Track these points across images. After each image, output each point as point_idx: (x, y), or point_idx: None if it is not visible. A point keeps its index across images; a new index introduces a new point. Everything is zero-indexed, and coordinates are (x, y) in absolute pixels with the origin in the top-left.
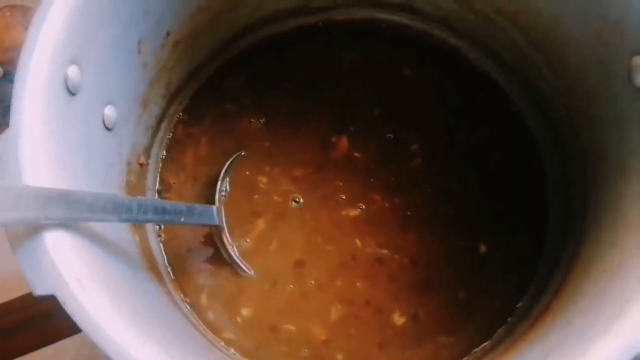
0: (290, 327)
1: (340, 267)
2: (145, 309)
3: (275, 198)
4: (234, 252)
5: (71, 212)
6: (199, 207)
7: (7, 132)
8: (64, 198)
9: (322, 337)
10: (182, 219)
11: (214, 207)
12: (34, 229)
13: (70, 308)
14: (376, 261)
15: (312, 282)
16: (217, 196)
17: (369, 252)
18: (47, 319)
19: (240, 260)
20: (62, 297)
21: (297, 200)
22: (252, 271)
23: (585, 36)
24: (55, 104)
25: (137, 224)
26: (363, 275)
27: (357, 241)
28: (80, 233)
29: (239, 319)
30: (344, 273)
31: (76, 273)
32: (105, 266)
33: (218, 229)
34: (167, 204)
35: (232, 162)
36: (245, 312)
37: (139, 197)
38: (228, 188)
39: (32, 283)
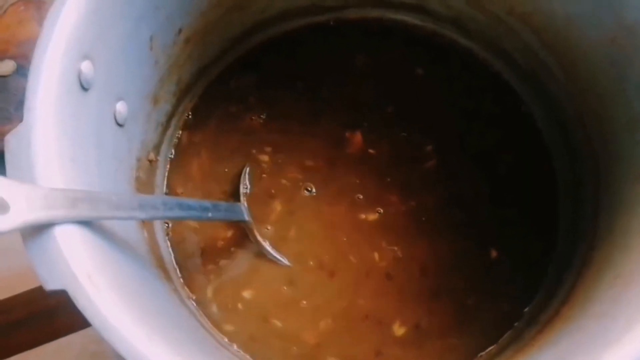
0: (288, 326)
1: (355, 282)
2: (154, 306)
3: (293, 192)
4: (267, 245)
5: (98, 211)
6: (224, 204)
7: (20, 127)
8: (91, 198)
9: (312, 341)
10: (210, 215)
11: (241, 204)
12: (49, 229)
13: (81, 303)
14: (386, 276)
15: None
16: (241, 193)
17: (383, 267)
18: (52, 314)
19: (275, 253)
20: (73, 293)
21: (309, 189)
22: (287, 261)
23: (598, 39)
24: (69, 100)
25: (152, 221)
26: (374, 289)
27: (375, 254)
28: (91, 230)
29: (241, 313)
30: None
31: (87, 269)
32: (115, 263)
33: (247, 226)
34: (192, 201)
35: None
36: (247, 302)
37: (164, 195)
38: (249, 185)
39: (44, 278)
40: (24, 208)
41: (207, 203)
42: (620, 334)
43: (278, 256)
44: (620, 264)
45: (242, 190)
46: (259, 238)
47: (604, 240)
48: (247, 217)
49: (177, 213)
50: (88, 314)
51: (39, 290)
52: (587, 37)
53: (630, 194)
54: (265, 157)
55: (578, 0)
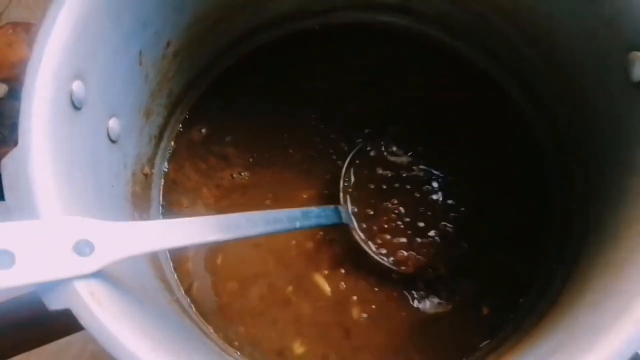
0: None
1: None
2: (157, 319)
3: None
4: (369, 247)
5: (183, 239)
6: (315, 209)
7: (16, 151)
8: (173, 228)
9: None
10: (297, 224)
11: (333, 207)
12: None
13: (85, 322)
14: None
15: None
16: (341, 194)
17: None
18: (53, 315)
19: (379, 256)
20: (77, 311)
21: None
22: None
23: (580, 33)
24: (62, 120)
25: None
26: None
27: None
28: (109, 277)
29: (246, 322)
30: None
31: (90, 286)
32: (116, 278)
33: (347, 228)
34: (277, 213)
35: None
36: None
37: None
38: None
39: (47, 298)
40: (109, 247)
41: (296, 212)
42: (611, 321)
43: (380, 259)
44: (610, 254)
45: (342, 192)
46: (360, 241)
47: (595, 231)
48: (341, 219)
49: (263, 229)
50: (93, 331)
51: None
52: (569, 33)
53: (616, 186)
54: None
55: None
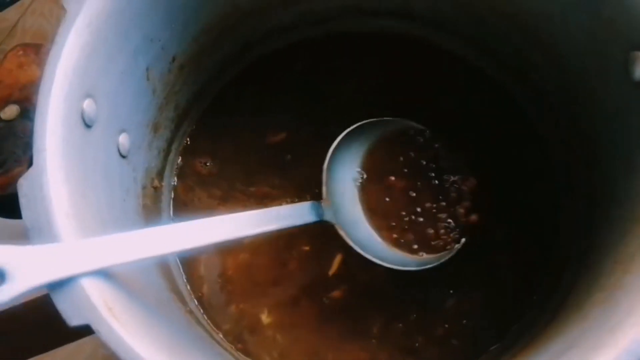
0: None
1: None
2: (173, 331)
3: None
4: (356, 247)
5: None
6: (286, 208)
7: (31, 171)
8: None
9: None
10: (264, 227)
11: (309, 203)
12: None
13: (105, 337)
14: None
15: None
16: (323, 188)
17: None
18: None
19: (367, 254)
20: (96, 327)
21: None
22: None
23: (581, 34)
24: (74, 139)
25: None
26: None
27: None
28: (115, 276)
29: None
30: None
31: (107, 301)
32: (132, 291)
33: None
34: (239, 216)
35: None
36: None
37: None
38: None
39: (66, 314)
40: (26, 275)
41: (271, 211)
42: (623, 318)
43: (371, 257)
44: (619, 251)
45: (325, 187)
46: (345, 239)
47: (603, 228)
48: (328, 218)
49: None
50: (113, 346)
51: (49, 296)
52: (569, 34)
53: (622, 183)
54: None
55: None
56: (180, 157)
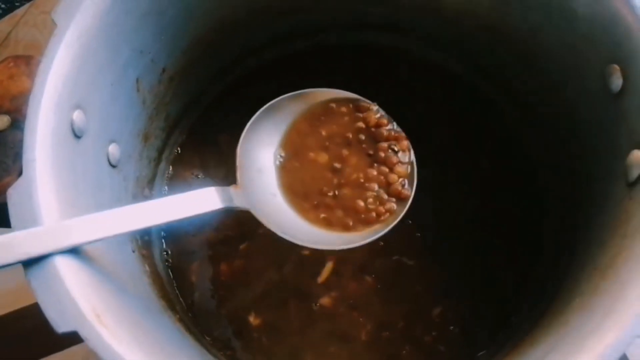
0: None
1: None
2: (162, 339)
3: None
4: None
5: None
6: (187, 194)
7: (21, 180)
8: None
9: None
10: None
11: (214, 189)
12: (53, 270)
13: (92, 344)
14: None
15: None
16: (237, 174)
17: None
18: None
19: (285, 234)
20: (84, 334)
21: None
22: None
23: (561, 47)
24: (64, 149)
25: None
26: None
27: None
28: (96, 268)
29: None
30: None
31: (95, 308)
32: (120, 299)
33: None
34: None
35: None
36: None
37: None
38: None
39: (54, 321)
40: None
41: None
42: (599, 323)
43: (289, 237)
44: (597, 258)
45: (239, 171)
46: (264, 220)
47: (584, 236)
48: (239, 204)
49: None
50: (100, 353)
51: (24, 310)
52: (550, 46)
53: (601, 193)
54: None
55: (538, 13)
56: (170, 167)
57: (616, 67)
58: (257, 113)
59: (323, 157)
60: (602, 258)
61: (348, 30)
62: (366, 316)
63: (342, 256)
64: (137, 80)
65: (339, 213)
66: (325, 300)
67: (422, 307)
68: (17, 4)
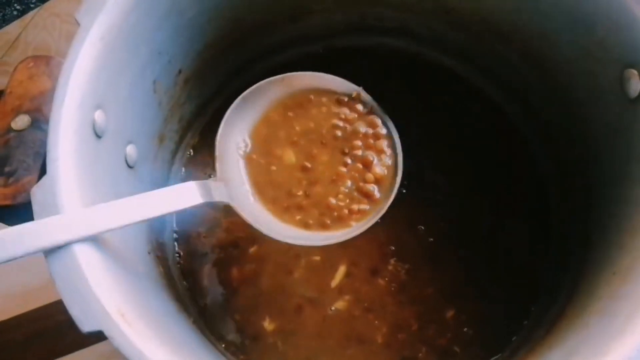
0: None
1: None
2: (181, 340)
3: None
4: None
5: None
6: (166, 190)
7: (45, 179)
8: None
9: None
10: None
11: (194, 183)
12: (77, 267)
13: (117, 342)
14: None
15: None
16: (217, 165)
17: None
18: (63, 330)
19: (266, 230)
20: (109, 332)
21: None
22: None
23: (575, 52)
24: (86, 149)
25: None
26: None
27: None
28: (117, 267)
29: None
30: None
31: (120, 308)
32: (141, 299)
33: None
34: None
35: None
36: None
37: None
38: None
39: (79, 319)
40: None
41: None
42: (621, 328)
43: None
44: (616, 262)
45: (219, 164)
46: (245, 215)
47: (599, 240)
48: (220, 198)
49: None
50: (125, 351)
51: (50, 306)
52: (563, 52)
53: (618, 196)
54: None
55: (552, 19)
56: (183, 168)
57: (634, 71)
58: (238, 99)
59: (289, 156)
60: (623, 262)
61: (359, 34)
62: (381, 318)
63: (354, 260)
64: (155, 82)
65: (314, 212)
66: (340, 304)
67: (436, 309)
68: (32, 5)
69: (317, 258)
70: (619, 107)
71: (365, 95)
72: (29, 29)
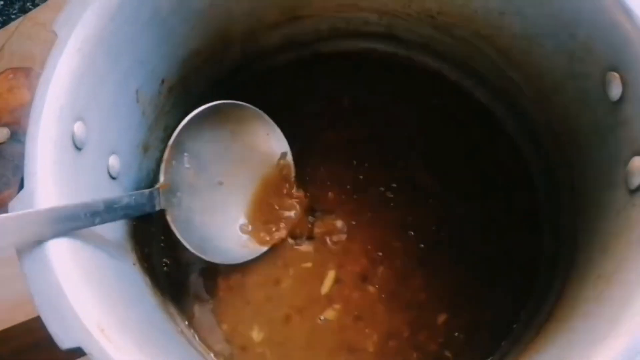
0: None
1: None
2: (168, 351)
3: None
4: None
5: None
6: (124, 198)
7: (22, 193)
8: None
9: None
10: (97, 219)
11: (148, 192)
12: (55, 281)
13: (96, 359)
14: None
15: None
16: (162, 168)
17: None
18: (53, 342)
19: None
20: (88, 349)
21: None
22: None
23: (559, 55)
24: (65, 161)
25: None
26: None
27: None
28: (98, 281)
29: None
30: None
31: (100, 322)
32: (124, 311)
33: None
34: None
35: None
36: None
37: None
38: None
39: (57, 337)
40: None
41: (97, 203)
42: (606, 331)
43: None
44: (601, 265)
45: (164, 169)
46: (173, 226)
47: (585, 243)
48: (163, 205)
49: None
50: None
51: (39, 319)
52: (548, 54)
53: (602, 199)
54: None
55: (536, 22)
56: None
57: (615, 74)
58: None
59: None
60: (607, 265)
61: (346, 38)
62: (372, 326)
63: (343, 267)
64: (137, 92)
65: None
66: (329, 313)
67: (427, 315)
68: (12, 16)
69: (307, 265)
70: (602, 110)
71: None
72: (13, 39)
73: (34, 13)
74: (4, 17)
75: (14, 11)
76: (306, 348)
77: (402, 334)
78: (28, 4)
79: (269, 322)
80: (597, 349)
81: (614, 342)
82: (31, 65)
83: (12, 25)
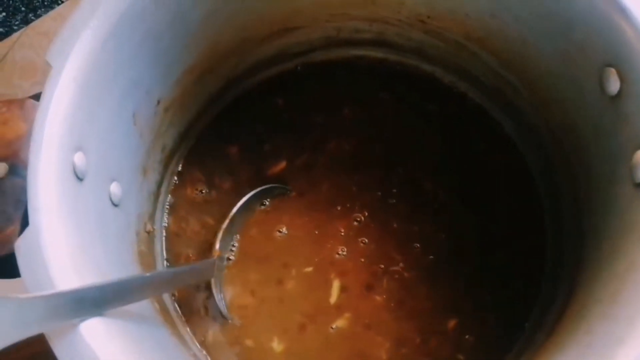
0: None
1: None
2: None
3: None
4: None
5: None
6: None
7: (28, 231)
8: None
9: None
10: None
11: (212, 259)
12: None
13: None
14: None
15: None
16: (217, 245)
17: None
18: (47, 356)
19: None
20: None
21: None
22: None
23: (553, 55)
24: (68, 194)
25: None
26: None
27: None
28: (113, 319)
29: None
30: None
31: (112, 354)
32: (140, 347)
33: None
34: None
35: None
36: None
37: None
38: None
39: None
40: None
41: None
42: (625, 332)
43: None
44: (613, 264)
45: (219, 243)
46: (217, 295)
47: (593, 242)
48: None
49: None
50: None
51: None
52: (542, 55)
53: (607, 197)
54: None
55: (530, 24)
56: (169, 196)
57: (612, 69)
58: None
59: None
60: (618, 264)
61: (336, 47)
62: (383, 334)
63: (347, 275)
64: (134, 115)
65: None
66: (340, 322)
67: (436, 321)
68: (15, 27)
69: (309, 269)
70: (600, 106)
71: None
72: (16, 48)
73: (36, 23)
74: (6, 29)
75: (17, 22)
76: (320, 358)
77: (414, 341)
78: (30, 15)
79: (283, 334)
80: (618, 350)
81: (635, 343)
82: (34, 75)
83: (15, 35)
